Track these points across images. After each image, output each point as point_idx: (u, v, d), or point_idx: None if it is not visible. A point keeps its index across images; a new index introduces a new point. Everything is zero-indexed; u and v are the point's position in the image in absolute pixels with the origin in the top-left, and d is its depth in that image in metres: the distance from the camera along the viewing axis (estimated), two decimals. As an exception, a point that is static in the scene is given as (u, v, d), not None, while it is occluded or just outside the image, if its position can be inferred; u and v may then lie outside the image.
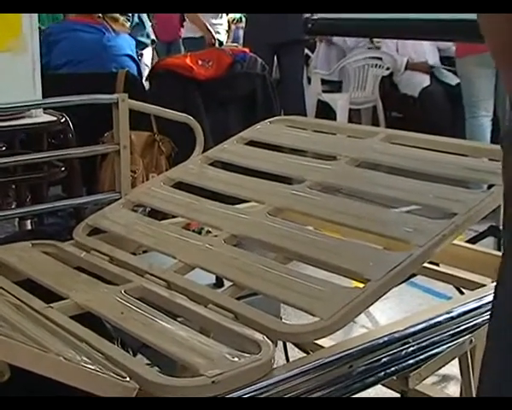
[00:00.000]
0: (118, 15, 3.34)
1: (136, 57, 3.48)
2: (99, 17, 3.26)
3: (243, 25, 6.53)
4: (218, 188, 1.77)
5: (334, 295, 1.27)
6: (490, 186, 1.58)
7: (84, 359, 1.05)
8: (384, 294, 1.30)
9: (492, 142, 3.99)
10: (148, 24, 5.14)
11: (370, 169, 1.73)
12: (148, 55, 5.20)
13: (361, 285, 1.30)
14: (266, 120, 2.07)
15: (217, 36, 5.68)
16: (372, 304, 1.29)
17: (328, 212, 1.57)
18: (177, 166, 1.96)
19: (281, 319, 1.54)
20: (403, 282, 2.73)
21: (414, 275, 2.35)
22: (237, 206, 1.76)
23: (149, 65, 5.36)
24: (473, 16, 1.56)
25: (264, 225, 1.55)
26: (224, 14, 6.10)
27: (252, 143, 1.97)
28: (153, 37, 5.29)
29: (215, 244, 1.52)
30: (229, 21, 6.72)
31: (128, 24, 3.40)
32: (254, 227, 1.55)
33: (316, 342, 1.67)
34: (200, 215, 1.69)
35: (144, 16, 5.16)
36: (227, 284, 1.45)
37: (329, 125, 2.18)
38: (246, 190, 1.74)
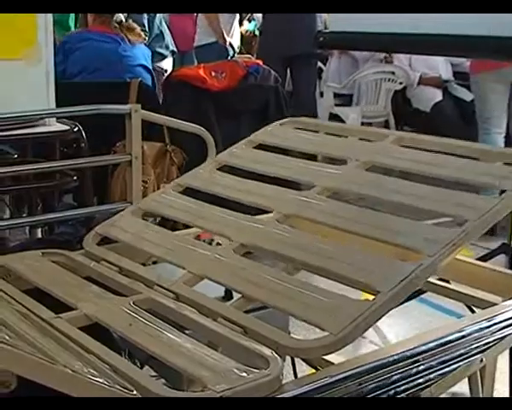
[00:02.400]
0: (134, 25, 3.35)
1: (150, 68, 3.49)
2: (115, 27, 3.28)
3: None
4: (227, 194, 1.75)
5: (343, 308, 1.26)
6: (503, 191, 1.56)
7: (91, 371, 1.05)
8: (394, 306, 1.28)
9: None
10: (167, 35, 5.18)
11: (380, 173, 1.72)
12: (168, 66, 5.22)
13: (371, 297, 1.29)
14: (277, 122, 2.05)
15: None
16: (382, 317, 1.28)
17: (337, 219, 1.56)
18: (187, 173, 1.95)
19: (289, 333, 1.53)
20: (412, 297, 2.72)
21: (424, 292, 2.34)
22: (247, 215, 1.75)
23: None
24: (487, 33, 1.54)
25: (273, 234, 1.54)
26: (237, 25, 6.13)
27: (261, 147, 1.95)
28: (172, 48, 5.32)
29: (224, 254, 1.51)
30: (242, 33, 6.73)
31: (143, 34, 3.41)
32: (263, 236, 1.54)
33: (324, 357, 1.67)
34: (208, 223, 1.68)
35: (164, 27, 5.20)
36: (236, 295, 1.44)
37: (340, 128, 2.16)
38: (254, 196, 1.72)
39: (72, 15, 4.36)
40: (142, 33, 3.39)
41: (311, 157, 1.93)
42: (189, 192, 1.86)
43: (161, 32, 5.12)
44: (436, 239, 1.39)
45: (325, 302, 1.29)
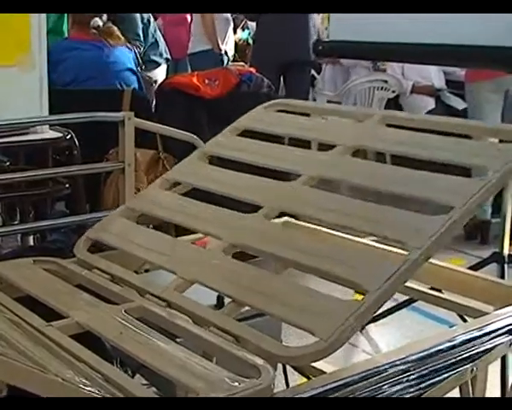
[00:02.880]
0: (113, 29, 3.35)
1: (135, 69, 3.49)
2: (94, 33, 3.28)
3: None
4: (215, 188, 1.73)
5: (333, 311, 1.25)
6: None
7: (83, 379, 1.05)
8: (384, 303, 1.28)
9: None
10: (162, 43, 5.20)
11: (365, 158, 1.71)
12: (161, 73, 5.23)
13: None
14: (261, 106, 2.02)
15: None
16: (372, 315, 1.27)
17: (322, 213, 1.54)
18: (174, 167, 1.93)
19: (281, 341, 1.53)
20: (404, 305, 2.72)
21: (415, 300, 2.34)
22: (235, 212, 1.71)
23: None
24: (481, 42, 1.55)
25: (261, 232, 1.53)
26: (232, 33, 6.15)
27: (246, 133, 1.93)
28: (167, 55, 5.33)
29: (214, 257, 1.50)
30: (235, 42, 6.75)
31: (123, 38, 3.42)
32: (253, 234, 1.53)
33: (315, 366, 1.67)
34: (197, 222, 1.66)
35: (159, 35, 5.22)
36: (228, 300, 1.44)
37: (325, 109, 2.14)
38: (241, 189, 1.70)
39: (66, 21, 4.36)
40: (122, 37, 3.39)
41: (298, 141, 1.91)
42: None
43: (156, 40, 5.14)
44: (422, 230, 1.36)
45: (315, 305, 1.29)
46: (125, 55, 3.42)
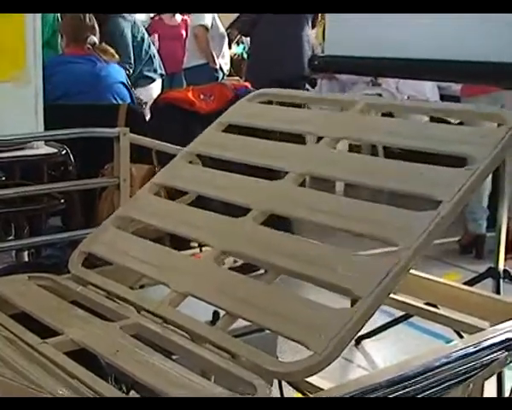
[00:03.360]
0: (107, 47, 3.39)
1: (127, 84, 3.51)
2: (89, 48, 3.30)
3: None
4: (202, 191, 1.73)
5: (326, 322, 1.24)
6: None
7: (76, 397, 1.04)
8: (376, 308, 1.27)
9: (494, 184, 3.99)
10: (156, 59, 5.23)
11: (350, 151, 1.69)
12: (156, 88, 5.25)
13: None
14: (245, 98, 1.99)
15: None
16: (365, 323, 1.26)
17: (310, 213, 1.52)
18: (162, 170, 1.91)
19: (277, 357, 1.52)
20: (400, 320, 2.71)
21: (411, 316, 2.34)
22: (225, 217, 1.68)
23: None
24: (477, 58, 1.54)
25: (251, 237, 1.51)
26: (227, 47, 6.17)
27: (231, 127, 1.91)
28: (161, 71, 5.35)
29: (206, 266, 1.49)
30: (230, 56, 6.77)
31: (117, 56, 3.45)
32: (243, 240, 1.52)
33: (311, 381, 1.67)
34: (187, 228, 1.65)
35: (153, 51, 5.25)
36: (222, 312, 1.43)
37: (307, 98, 2.11)
38: (229, 191, 1.68)
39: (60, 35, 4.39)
40: (116, 55, 3.42)
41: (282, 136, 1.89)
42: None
43: (150, 56, 5.16)
44: (410, 228, 1.33)
45: (308, 317, 1.28)
46: (117, 70, 3.43)
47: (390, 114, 1.88)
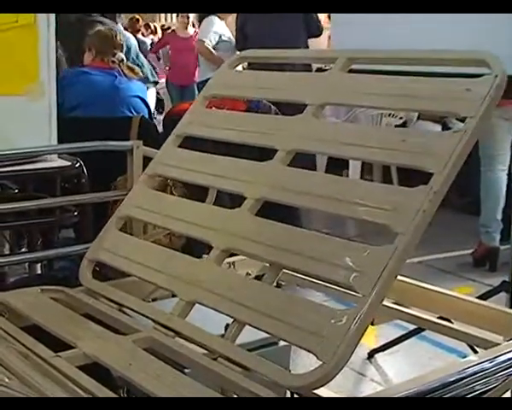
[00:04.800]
0: (134, 66, 3.42)
1: (147, 100, 3.52)
2: (113, 62, 3.31)
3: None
4: (195, 181, 1.72)
5: (331, 327, 1.22)
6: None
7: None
8: (379, 304, 1.25)
9: (508, 197, 3.96)
10: (146, 67, 5.24)
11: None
12: (150, 96, 5.28)
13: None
14: (225, 64, 1.93)
15: None
16: (369, 323, 1.23)
17: (301, 197, 1.47)
18: (154, 159, 1.87)
19: (290, 370, 1.51)
20: (413, 334, 2.68)
21: (423, 329, 2.33)
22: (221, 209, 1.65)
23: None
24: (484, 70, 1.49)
25: (251, 231, 1.48)
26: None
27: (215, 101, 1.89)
28: (154, 79, 5.36)
29: (212, 271, 1.47)
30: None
31: (141, 74, 3.47)
32: (242, 236, 1.49)
33: (324, 395, 1.65)
34: (185, 225, 1.64)
35: (142, 60, 5.28)
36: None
37: (290, 57, 2.04)
38: (221, 179, 1.65)
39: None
40: (141, 73, 3.44)
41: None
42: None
43: (138, 65, 5.19)
44: (402, 207, 1.26)
45: (313, 322, 1.25)
46: (137, 85, 3.44)
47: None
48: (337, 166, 4.63)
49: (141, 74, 3.43)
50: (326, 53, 1.77)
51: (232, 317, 1.38)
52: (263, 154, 1.68)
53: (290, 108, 1.68)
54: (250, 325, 1.36)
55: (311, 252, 1.36)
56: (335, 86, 1.64)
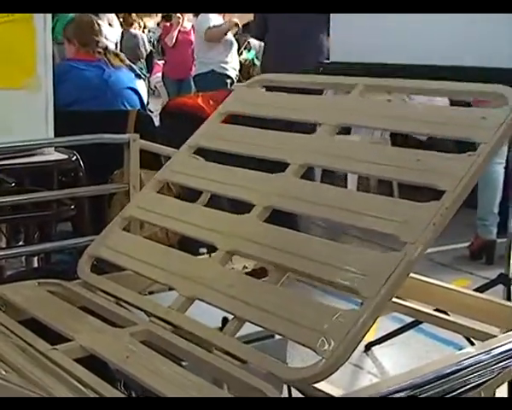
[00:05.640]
0: (117, 52, 3.39)
1: (137, 89, 3.51)
2: (99, 53, 3.30)
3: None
4: (204, 188, 1.72)
5: (333, 324, 1.22)
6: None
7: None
8: (382, 309, 1.25)
9: (505, 190, 3.96)
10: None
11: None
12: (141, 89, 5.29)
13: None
14: (243, 83, 1.98)
15: (226, 72, 5.78)
16: (373, 323, 1.24)
17: (312, 207, 1.49)
18: (165, 166, 1.88)
19: (287, 363, 1.52)
20: (410, 327, 2.69)
21: (421, 322, 2.33)
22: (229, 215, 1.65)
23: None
24: (488, 64, 1.51)
25: (257, 235, 1.49)
26: (236, 54, 6.19)
27: (230, 118, 1.90)
28: (142, 72, 5.36)
29: (213, 269, 1.48)
30: (241, 62, 6.79)
31: (127, 61, 3.44)
32: (248, 239, 1.50)
33: (321, 388, 1.66)
34: (191, 228, 1.64)
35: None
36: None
37: (309, 82, 2.08)
38: (232, 187, 1.66)
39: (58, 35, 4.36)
40: (126, 60, 3.42)
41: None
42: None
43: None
44: (414, 221, 1.29)
45: (315, 320, 1.25)
46: (126, 75, 3.44)
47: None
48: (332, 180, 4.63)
49: (127, 61, 3.40)
50: (344, 80, 1.81)
51: (232, 313, 1.38)
52: (274, 169, 1.68)
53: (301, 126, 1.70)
54: (250, 322, 1.36)
55: (317, 256, 1.37)
56: (353, 109, 1.68)
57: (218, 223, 1.60)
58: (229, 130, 1.86)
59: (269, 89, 1.97)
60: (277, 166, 1.66)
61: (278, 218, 1.57)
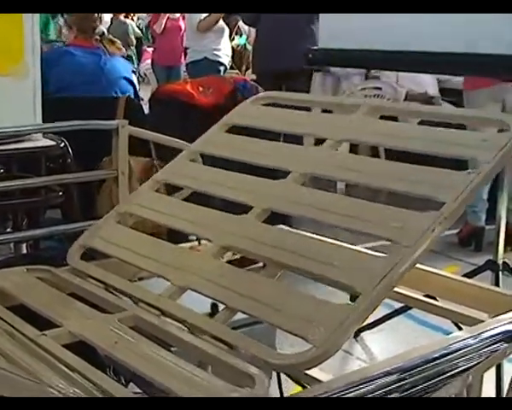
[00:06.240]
0: (114, 39, 3.40)
1: (132, 79, 3.50)
2: (96, 40, 3.29)
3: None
4: (204, 190, 1.74)
5: (326, 316, 1.24)
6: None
7: (76, 390, 1.04)
8: (376, 306, 1.27)
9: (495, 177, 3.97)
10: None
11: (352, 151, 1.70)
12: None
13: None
14: (248, 100, 2.00)
15: (219, 59, 5.76)
16: (366, 318, 1.27)
17: (311, 211, 1.52)
18: (164, 168, 1.91)
19: (275, 348, 1.52)
20: (399, 312, 2.70)
21: (410, 308, 2.34)
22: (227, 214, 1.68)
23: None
24: (476, 50, 1.53)
25: (253, 232, 1.52)
26: (228, 40, 6.17)
27: (234, 129, 1.92)
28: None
29: (205, 261, 1.50)
30: (233, 47, 6.76)
31: (123, 49, 3.45)
32: (243, 236, 1.52)
33: (310, 374, 1.67)
34: (187, 225, 1.66)
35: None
36: (222, 306, 1.43)
37: (313, 101, 2.12)
38: (232, 190, 1.69)
39: (52, 27, 4.35)
40: (122, 47, 3.43)
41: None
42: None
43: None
44: (413, 227, 1.34)
45: (308, 311, 1.28)
46: (122, 64, 3.43)
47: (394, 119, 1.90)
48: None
49: (123, 49, 3.41)
50: (348, 101, 1.86)
51: (224, 303, 1.39)
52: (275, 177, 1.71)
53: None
54: (242, 312, 1.37)
55: (314, 255, 1.40)
56: (356, 126, 1.72)
57: (215, 221, 1.62)
58: (233, 139, 1.89)
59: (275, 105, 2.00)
60: (277, 177, 1.68)
61: (273, 219, 1.60)
